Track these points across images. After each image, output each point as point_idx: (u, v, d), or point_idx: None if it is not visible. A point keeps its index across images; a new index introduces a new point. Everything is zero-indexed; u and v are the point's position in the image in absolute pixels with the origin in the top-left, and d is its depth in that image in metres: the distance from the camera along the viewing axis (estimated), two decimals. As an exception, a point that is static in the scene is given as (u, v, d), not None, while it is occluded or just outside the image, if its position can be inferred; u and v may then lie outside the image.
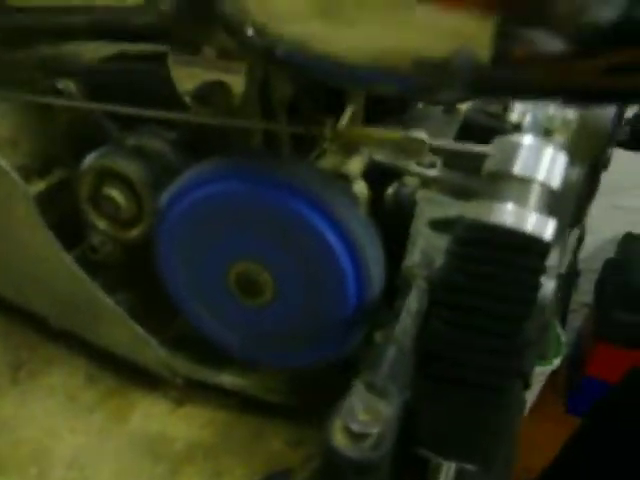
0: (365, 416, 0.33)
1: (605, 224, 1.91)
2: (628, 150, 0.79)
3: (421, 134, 0.50)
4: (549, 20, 0.31)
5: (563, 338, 1.73)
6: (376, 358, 0.39)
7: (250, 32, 0.38)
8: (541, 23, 0.31)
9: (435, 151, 0.62)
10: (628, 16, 0.29)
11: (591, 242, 1.99)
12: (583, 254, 1.92)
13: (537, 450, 1.14)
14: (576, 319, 2.17)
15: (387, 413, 0.34)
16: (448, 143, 0.57)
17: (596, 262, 2.15)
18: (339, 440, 0.33)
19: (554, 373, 1.69)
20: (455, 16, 0.32)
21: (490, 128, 0.64)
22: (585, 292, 2.14)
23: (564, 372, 1.98)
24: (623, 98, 0.39)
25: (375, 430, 0.33)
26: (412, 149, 0.51)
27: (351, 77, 0.40)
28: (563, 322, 1.98)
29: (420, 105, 0.73)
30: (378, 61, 0.36)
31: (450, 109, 0.72)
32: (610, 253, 2.13)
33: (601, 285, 2.08)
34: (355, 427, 0.33)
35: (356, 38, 0.36)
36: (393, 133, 0.51)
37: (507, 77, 0.35)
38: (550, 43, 0.31)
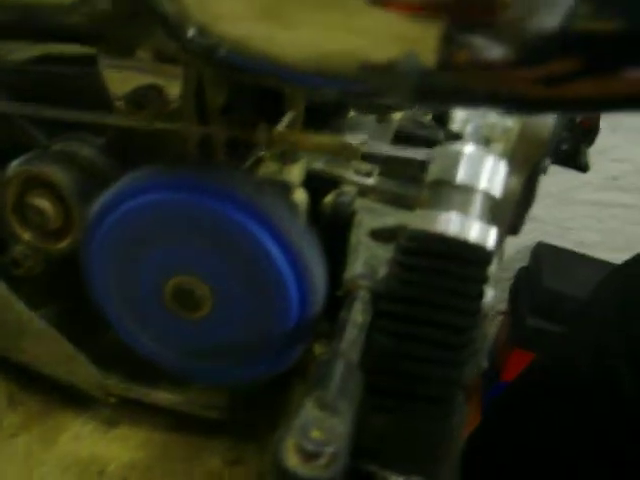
0: (318, 434, 0.32)
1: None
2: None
3: (357, 139, 0.49)
4: (494, 26, 0.31)
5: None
6: (325, 374, 0.37)
7: (191, 33, 0.36)
8: (486, 29, 0.31)
9: (371, 158, 0.62)
10: (570, 26, 0.29)
11: (505, 251, 2.07)
12: (497, 262, 2.00)
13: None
14: (491, 326, 2.23)
15: (340, 430, 0.33)
16: (385, 149, 0.56)
17: (510, 270, 2.22)
18: (292, 460, 0.31)
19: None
20: (401, 20, 0.32)
21: (423, 138, 0.64)
22: (499, 300, 2.21)
23: (479, 379, 2.02)
24: (564, 107, 0.39)
25: (330, 448, 0.31)
26: (347, 155, 0.50)
27: (294, 80, 0.39)
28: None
29: (353, 113, 0.73)
30: (321, 64, 0.35)
31: (384, 118, 0.72)
32: (523, 262, 2.21)
33: (515, 293, 2.16)
34: (308, 446, 0.31)
35: (299, 40, 0.35)
36: (330, 139, 0.50)
37: (452, 83, 0.34)
38: (495, 50, 0.31)
